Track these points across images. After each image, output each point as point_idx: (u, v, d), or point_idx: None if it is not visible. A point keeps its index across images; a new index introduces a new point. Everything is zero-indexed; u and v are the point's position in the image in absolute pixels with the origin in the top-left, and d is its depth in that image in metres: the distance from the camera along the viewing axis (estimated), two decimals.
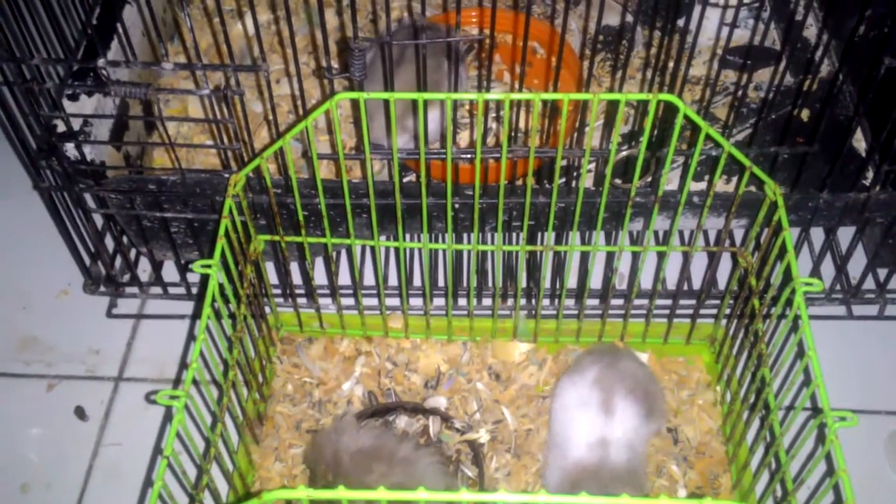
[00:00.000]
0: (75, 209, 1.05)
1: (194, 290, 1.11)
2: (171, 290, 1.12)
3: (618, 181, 0.98)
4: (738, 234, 1.12)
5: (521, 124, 1.11)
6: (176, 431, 0.71)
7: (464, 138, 1.15)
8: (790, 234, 0.82)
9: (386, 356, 1.04)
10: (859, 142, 1.13)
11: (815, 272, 1.07)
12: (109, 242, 1.13)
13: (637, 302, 1.00)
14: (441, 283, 1.12)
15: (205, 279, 0.82)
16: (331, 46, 0.97)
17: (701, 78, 1.22)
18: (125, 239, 1.11)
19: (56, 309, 1.14)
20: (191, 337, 1.11)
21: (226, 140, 1.09)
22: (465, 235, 1.11)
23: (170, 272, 1.11)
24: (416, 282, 1.11)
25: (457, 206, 1.00)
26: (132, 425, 1.04)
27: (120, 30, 1.04)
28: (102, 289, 1.12)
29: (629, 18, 1.19)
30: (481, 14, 1.23)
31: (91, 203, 1.05)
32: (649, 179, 0.97)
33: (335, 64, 1.21)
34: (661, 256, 0.96)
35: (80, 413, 1.05)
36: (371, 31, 1.28)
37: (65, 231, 1.06)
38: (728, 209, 0.92)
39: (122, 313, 1.13)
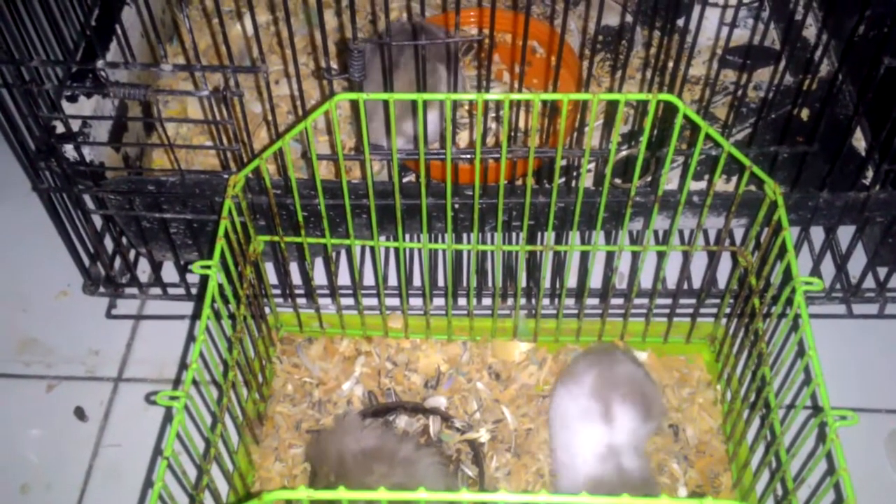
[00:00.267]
0: (74, 210, 1.05)
1: (194, 291, 1.11)
2: (171, 290, 1.12)
3: (618, 181, 0.98)
4: (738, 234, 1.12)
5: (521, 124, 1.11)
6: (176, 432, 0.71)
7: (463, 138, 1.14)
8: (790, 234, 0.82)
9: (386, 356, 1.04)
10: (859, 141, 1.13)
11: (815, 271, 1.07)
12: (109, 243, 1.13)
13: (637, 301, 1.00)
14: (441, 282, 1.12)
15: (204, 280, 0.82)
16: (330, 47, 0.97)
17: (700, 78, 1.22)
18: (124, 240, 1.11)
19: (56, 310, 1.14)
20: (190, 337, 1.11)
21: (225, 141, 1.09)
22: (464, 235, 1.11)
23: (169, 273, 1.11)
24: (416, 282, 1.11)
25: (456, 206, 1.00)
26: (132, 426, 1.04)
27: (119, 31, 1.04)
28: (102, 290, 1.12)
29: (629, 18, 1.18)
30: (480, 14, 1.22)
31: (90, 204, 1.04)
32: (649, 179, 0.97)
33: (334, 65, 1.21)
34: (661, 256, 0.96)
35: (80, 414, 1.05)
36: (370, 31, 1.28)
37: (64, 232, 1.06)
38: (728, 208, 0.92)
39: (122, 314, 1.13)
